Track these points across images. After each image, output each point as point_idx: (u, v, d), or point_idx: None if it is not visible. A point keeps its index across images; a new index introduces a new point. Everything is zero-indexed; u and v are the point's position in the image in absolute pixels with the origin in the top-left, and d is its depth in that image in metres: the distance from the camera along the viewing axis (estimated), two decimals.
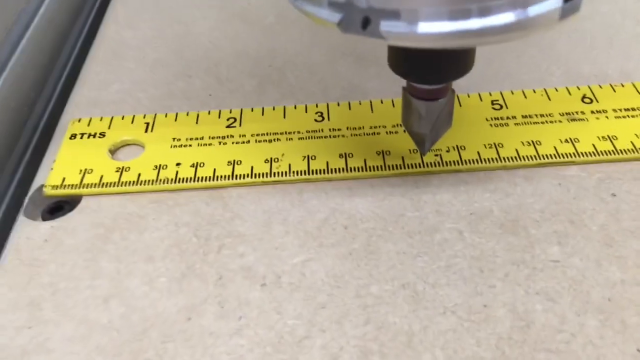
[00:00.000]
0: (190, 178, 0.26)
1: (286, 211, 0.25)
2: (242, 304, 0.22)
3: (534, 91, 0.30)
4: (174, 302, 0.22)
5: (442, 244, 0.24)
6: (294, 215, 0.25)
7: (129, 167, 0.27)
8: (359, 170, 0.26)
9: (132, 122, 0.29)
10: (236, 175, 0.26)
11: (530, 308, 0.22)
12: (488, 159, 0.26)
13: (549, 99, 0.29)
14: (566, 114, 0.28)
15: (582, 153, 0.26)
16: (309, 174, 0.26)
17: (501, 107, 0.29)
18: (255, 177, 0.26)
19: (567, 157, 0.26)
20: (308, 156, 0.27)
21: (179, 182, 0.26)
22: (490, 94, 0.30)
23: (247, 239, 0.24)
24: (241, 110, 0.30)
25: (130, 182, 0.26)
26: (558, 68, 0.32)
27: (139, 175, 0.27)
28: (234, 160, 0.27)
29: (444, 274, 0.23)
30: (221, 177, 0.26)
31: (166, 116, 0.30)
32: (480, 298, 0.22)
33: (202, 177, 0.26)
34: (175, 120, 0.29)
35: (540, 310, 0.22)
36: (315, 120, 0.29)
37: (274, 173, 0.26)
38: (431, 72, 0.22)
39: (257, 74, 0.33)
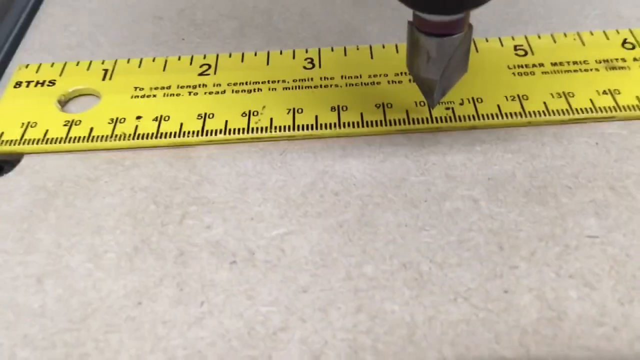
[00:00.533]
0: (152, 134, 0.22)
1: (265, 174, 0.21)
2: (206, 287, 0.18)
3: (565, 35, 0.25)
4: (122, 284, 0.18)
5: (453, 215, 0.19)
6: (274, 180, 0.21)
7: (80, 121, 0.23)
8: (354, 126, 0.22)
9: (88, 68, 0.25)
10: (207, 131, 0.22)
11: (562, 295, 0.17)
12: (510, 114, 0.22)
13: (583, 44, 0.25)
14: (604, 61, 0.24)
15: (623, 107, 0.22)
16: (294, 129, 0.22)
17: (526, 53, 0.24)
18: (229, 133, 0.22)
19: (606, 111, 0.22)
20: (294, 109, 0.23)
21: (138, 138, 0.22)
22: (513, 38, 0.25)
23: (217, 207, 0.20)
24: (217, 56, 0.25)
25: (80, 137, 0.22)
26: (593, 9, 0.27)
27: (91, 129, 0.22)
28: (205, 114, 0.23)
29: (454, 251, 0.19)
30: (189, 133, 0.22)
31: (128, 62, 0.25)
32: (499, 281, 0.18)
33: (166, 133, 0.22)
34: (139, 67, 0.25)
35: (574, 298, 0.17)
36: (304, 68, 0.24)
37: (253, 129, 0.22)
38: None
39: (239, 17, 0.28)
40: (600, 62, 0.24)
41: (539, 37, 0.25)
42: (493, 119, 0.22)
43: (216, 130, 0.22)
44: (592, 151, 0.21)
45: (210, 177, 0.21)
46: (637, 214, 0.19)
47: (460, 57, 0.20)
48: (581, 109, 0.22)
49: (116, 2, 0.29)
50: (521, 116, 0.22)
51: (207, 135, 0.22)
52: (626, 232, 0.19)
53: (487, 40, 0.25)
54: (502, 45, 0.25)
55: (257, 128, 0.22)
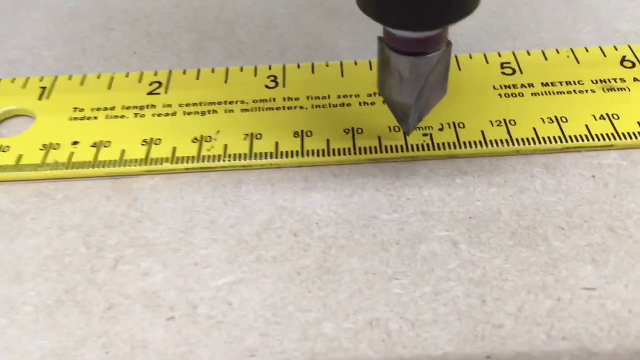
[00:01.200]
0: (90, 162, 0.19)
1: (215, 210, 0.18)
2: (136, 348, 0.15)
3: (557, 51, 0.23)
4: (38, 344, 0.16)
5: (429, 260, 0.17)
6: (225, 217, 0.18)
7: (8, 146, 0.20)
8: (318, 154, 0.19)
9: (24, 86, 0.22)
10: (151, 160, 0.19)
11: None
12: (495, 141, 0.19)
13: (578, 62, 0.22)
14: (601, 81, 0.21)
15: (623, 134, 0.19)
16: (250, 158, 0.19)
17: (514, 71, 0.22)
18: (177, 162, 0.19)
19: (603, 138, 0.19)
20: (251, 134, 0.20)
21: (73, 167, 0.19)
22: (500, 55, 0.23)
23: (157, 249, 0.17)
24: (170, 72, 0.23)
25: (5, 166, 0.19)
26: (587, 24, 0.25)
27: (20, 157, 0.20)
28: (151, 139, 0.20)
29: (429, 305, 0.16)
30: (131, 161, 0.19)
31: (70, 79, 0.22)
32: (481, 344, 0.15)
33: (105, 162, 0.19)
34: (82, 84, 0.22)
35: None
36: (267, 87, 0.22)
37: (204, 157, 0.19)
38: (417, 9, 0.15)
39: (199, 29, 0.25)
40: (596, 83, 0.21)
41: (529, 53, 0.23)
42: (476, 146, 0.19)
43: (162, 159, 0.19)
44: (587, 185, 0.18)
45: (152, 213, 0.18)
46: None
47: (437, 77, 0.18)
48: (575, 136, 0.19)
49: (64, 12, 0.27)
50: (508, 144, 0.19)
51: (151, 164, 0.19)
52: (628, 283, 0.16)
53: (470, 57, 0.22)
54: (487, 62, 0.22)
55: (208, 156, 0.19)
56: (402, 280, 0.16)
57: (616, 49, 0.23)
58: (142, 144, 0.20)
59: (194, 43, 0.25)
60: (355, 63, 0.23)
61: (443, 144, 0.19)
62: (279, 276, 0.17)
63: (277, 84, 0.22)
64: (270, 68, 0.23)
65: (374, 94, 0.21)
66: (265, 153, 0.19)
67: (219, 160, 0.19)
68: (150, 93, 0.22)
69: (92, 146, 0.20)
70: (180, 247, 0.18)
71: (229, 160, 0.19)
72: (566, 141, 0.19)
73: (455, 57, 0.22)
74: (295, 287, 0.16)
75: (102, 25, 0.26)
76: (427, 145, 0.19)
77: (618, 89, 0.21)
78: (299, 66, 0.23)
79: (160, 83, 0.22)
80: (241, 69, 0.23)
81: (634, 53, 0.22)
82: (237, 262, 0.17)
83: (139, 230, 0.18)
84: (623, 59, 0.22)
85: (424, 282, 0.16)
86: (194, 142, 0.20)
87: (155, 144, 0.20)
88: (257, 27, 0.25)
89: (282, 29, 0.25)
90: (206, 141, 0.20)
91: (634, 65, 0.22)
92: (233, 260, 0.17)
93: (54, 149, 0.20)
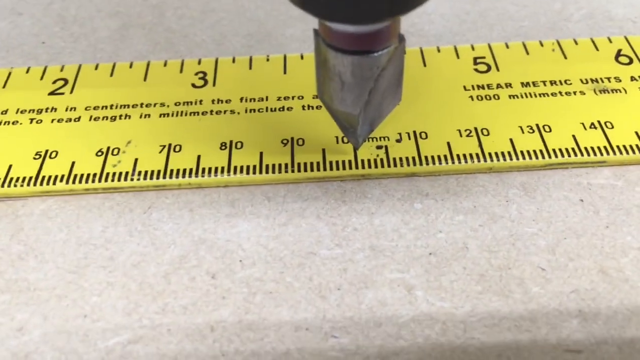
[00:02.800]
0: None
1: (117, 244, 0.15)
2: None
3: (541, 44, 0.19)
4: None
5: (377, 312, 0.13)
6: (128, 252, 0.15)
7: None
8: (249, 172, 0.16)
9: None
10: (44, 178, 0.16)
11: None
12: (464, 156, 0.16)
13: (565, 57, 0.19)
14: (592, 80, 0.18)
15: (617, 147, 0.16)
16: (165, 176, 0.16)
17: (489, 68, 0.18)
18: (75, 180, 0.16)
19: (594, 153, 0.16)
20: (169, 146, 0.16)
21: None
22: (473, 48, 0.19)
23: (38, 296, 0.14)
24: (79, 67, 0.19)
25: None
26: (578, 9, 0.21)
27: None
28: (46, 151, 0.16)
29: None
30: (18, 180, 0.16)
31: None
32: None
33: None
34: None
35: None
36: (194, 86, 0.18)
37: (108, 175, 0.16)
38: None
39: (122, 13, 0.21)
40: (586, 83, 0.18)
41: (507, 46, 0.19)
42: (440, 162, 0.16)
43: (56, 177, 0.16)
44: (574, 212, 0.15)
45: (38, 248, 0.15)
46: (639, 313, 0.13)
47: (389, 81, 0.14)
48: (560, 150, 0.16)
49: None
50: (479, 159, 0.16)
51: (43, 183, 0.16)
52: (622, 345, 0.13)
53: (438, 50, 0.19)
54: (458, 57, 0.19)
55: (114, 173, 0.16)
56: (341, 339, 0.13)
57: (610, 41, 0.19)
58: (35, 158, 0.16)
59: (115, 30, 0.21)
60: (302, 57, 0.19)
61: (401, 159, 0.16)
62: (187, 333, 0.13)
63: (206, 82, 0.18)
64: (199, 63, 0.19)
65: None
66: (184, 170, 0.16)
67: (126, 179, 0.16)
68: (52, 93, 0.18)
69: None
70: (67, 293, 0.14)
71: (138, 179, 0.16)
72: (549, 156, 0.16)
73: (421, 50, 0.19)
74: (205, 347, 0.13)
75: (9, 9, 0.22)
76: (381, 160, 0.16)
77: (612, 91, 0.17)
78: (234, 60, 0.19)
79: (66, 80, 0.18)
80: (165, 64, 0.19)
81: (631, 46, 0.19)
82: (137, 313, 0.14)
83: (19, 269, 0.14)
84: (618, 54, 0.19)
85: (369, 341, 0.13)
86: (97, 155, 0.16)
87: (51, 158, 0.16)
88: (192, 11, 0.21)
89: (221, 14, 0.21)
90: (113, 154, 0.16)
91: (631, 61, 0.18)
92: (132, 311, 0.14)
93: None
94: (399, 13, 0.12)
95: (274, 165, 0.16)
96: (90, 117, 0.17)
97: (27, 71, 0.19)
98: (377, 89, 0.14)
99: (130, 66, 0.19)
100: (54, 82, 0.18)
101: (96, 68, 0.19)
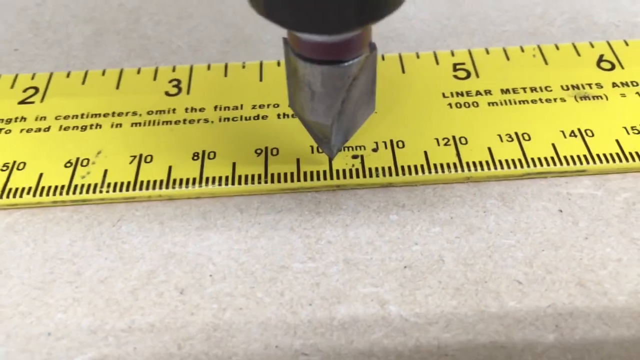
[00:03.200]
0: None
1: (84, 258, 0.14)
2: None
3: (522, 49, 0.19)
4: None
5: (349, 329, 0.13)
6: (96, 267, 0.14)
7: None
8: (221, 183, 0.15)
9: None
10: (10, 190, 0.15)
11: None
12: (442, 165, 0.16)
13: (546, 62, 0.18)
14: (573, 87, 0.17)
15: (598, 155, 0.16)
16: (135, 188, 0.15)
17: (469, 74, 0.18)
18: (43, 193, 0.15)
19: (574, 161, 0.16)
20: (140, 156, 0.16)
21: None
22: (453, 54, 0.19)
23: (2, 312, 0.14)
24: (50, 75, 0.18)
25: None
26: (560, 14, 0.21)
27: None
28: (14, 163, 0.16)
29: None
30: None
31: None
32: None
33: None
34: None
35: None
36: (167, 94, 0.18)
37: (76, 187, 0.15)
38: (326, 4, 0.11)
39: (98, 19, 0.21)
40: (567, 89, 0.17)
41: (487, 51, 0.19)
42: (417, 172, 0.15)
43: (22, 190, 0.15)
44: (553, 223, 0.15)
45: (3, 263, 0.14)
46: (617, 328, 0.13)
47: (362, 90, 0.14)
48: (539, 159, 0.16)
49: None
50: (456, 168, 0.16)
51: (10, 195, 0.15)
52: None
53: (417, 56, 0.19)
54: (437, 63, 0.18)
55: (83, 185, 0.15)
56: (312, 356, 0.13)
57: (592, 45, 0.19)
58: (2, 170, 0.16)
59: (89, 37, 0.20)
60: (279, 64, 0.19)
61: (377, 169, 0.16)
62: (153, 351, 0.13)
63: (180, 90, 0.18)
64: (174, 70, 0.18)
65: None
66: (155, 181, 0.15)
67: (95, 191, 0.15)
68: (22, 102, 0.18)
69: None
70: (31, 310, 0.14)
71: (107, 191, 0.15)
72: (528, 165, 0.16)
73: (400, 56, 0.18)
74: None
75: None
76: (357, 170, 0.16)
77: (593, 97, 0.17)
78: (209, 67, 0.19)
79: (36, 89, 0.18)
80: (138, 71, 0.18)
81: (613, 51, 0.19)
82: (103, 330, 0.13)
83: None
84: (600, 59, 0.18)
85: (340, 359, 0.13)
86: (66, 166, 0.16)
87: (18, 169, 0.16)
88: (168, 16, 0.21)
89: (198, 19, 0.21)
90: (82, 165, 0.16)
91: (613, 67, 0.18)
92: (97, 329, 0.13)
93: None
94: (368, 22, 0.12)
95: (247, 176, 0.16)
96: (60, 126, 0.17)
97: None
98: (350, 99, 0.13)
99: (103, 74, 0.18)
100: (25, 90, 0.18)
101: (68, 76, 0.18)
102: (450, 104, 0.17)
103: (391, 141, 0.16)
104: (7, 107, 0.18)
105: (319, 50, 0.12)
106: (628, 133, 0.16)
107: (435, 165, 0.16)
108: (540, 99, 0.17)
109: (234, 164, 0.16)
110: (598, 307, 0.13)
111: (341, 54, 0.13)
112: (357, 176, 0.15)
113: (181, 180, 0.15)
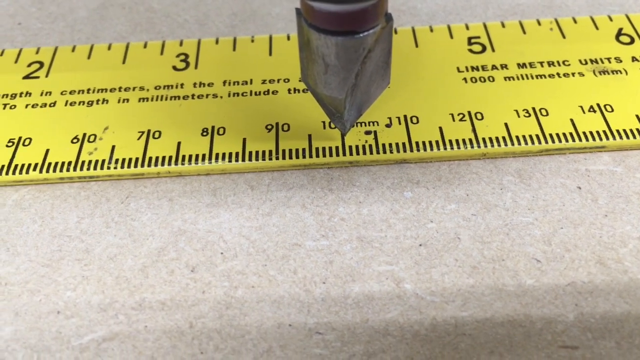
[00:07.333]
0: None
1: (93, 235, 0.14)
2: None
3: (539, 22, 0.18)
4: None
5: (364, 307, 0.13)
6: (105, 244, 0.14)
7: None
8: (231, 159, 0.15)
9: None
10: (16, 166, 0.15)
11: None
12: (457, 141, 0.15)
13: (563, 36, 0.18)
14: (591, 61, 0.17)
15: (617, 131, 0.15)
16: (143, 164, 0.15)
17: (484, 48, 0.17)
18: (49, 169, 0.15)
19: (593, 138, 0.15)
20: (148, 132, 0.16)
21: None
22: (468, 27, 0.18)
23: (10, 291, 0.13)
24: (55, 49, 0.18)
25: None
26: None
27: None
28: (20, 138, 0.16)
29: None
30: None
31: None
32: None
33: None
34: None
35: None
36: (175, 68, 0.17)
37: (84, 163, 0.15)
38: None
39: None
40: (585, 64, 0.17)
41: (503, 25, 0.18)
42: (432, 149, 0.15)
43: (29, 166, 0.15)
44: (572, 200, 0.14)
45: (10, 240, 0.14)
46: (638, 306, 0.13)
47: (377, 63, 0.13)
48: (557, 135, 0.15)
49: None
50: (472, 144, 0.15)
51: (16, 172, 0.15)
52: (621, 340, 0.12)
53: (431, 30, 0.18)
54: (451, 36, 0.18)
55: (90, 162, 0.15)
56: (326, 335, 0.13)
57: (611, 19, 0.18)
58: (8, 146, 0.15)
59: (94, 10, 0.20)
60: (288, 37, 0.18)
61: (390, 145, 0.15)
62: (164, 329, 0.13)
63: (187, 64, 0.17)
64: (181, 44, 0.18)
65: None
66: (164, 157, 0.15)
67: (103, 168, 0.15)
68: (27, 77, 0.17)
69: None
70: (40, 287, 0.13)
71: (115, 168, 0.15)
72: (546, 141, 0.15)
73: (413, 30, 0.18)
74: (184, 345, 0.12)
75: None
76: (370, 146, 0.15)
77: (612, 72, 0.17)
78: (217, 41, 0.18)
79: (41, 63, 0.18)
80: (145, 45, 0.18)
81: (632, 25, 0.18)
82: (113, 308, 0.13)
83: None
84: (619, 33, 0.18)
85: (355, 338, 0.12)
86: (73, 142, 0.16)
87: (24, 145, 0.15)
88: None
89: None
90: (89, 141, 0.16)
91: (632, 40, 0.18)
92: (107, 307, 0.13)
93: None
94: None
95: (257, 152, 0.15)
96: (66, 102, 0.17)
97: (1, 54, 0.18)
98: (364, 72, 0.13)
99: (109, 48, 0.18)
100: (29, 65, 0.18)
101: (73, 50, 0.18)
102: (465, 79, 0.17)
103: (405, 117, 0.16)
104: (11, 82, 0.17)
105: (334, 20, 0.12)
106: None
107: (450, 141, 0.15)
108: (558, 74, 0.17)
109: (244, 140, 0.15)
110: (618, 285, 0.13)
111: (356, 25, 0.12)
112: (371, 152, 0.15)
113: (190, 156, 0.15)
